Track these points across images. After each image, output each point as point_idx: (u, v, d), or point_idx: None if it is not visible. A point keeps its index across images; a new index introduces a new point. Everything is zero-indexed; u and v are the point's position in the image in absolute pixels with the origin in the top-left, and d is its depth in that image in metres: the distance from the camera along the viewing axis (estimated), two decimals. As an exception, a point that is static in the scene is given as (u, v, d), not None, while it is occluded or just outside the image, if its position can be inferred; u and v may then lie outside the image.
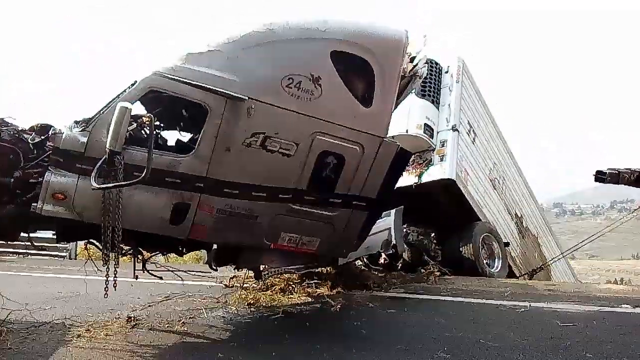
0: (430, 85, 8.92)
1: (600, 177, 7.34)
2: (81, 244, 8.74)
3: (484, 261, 9.04)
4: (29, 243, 5.06)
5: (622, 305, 5.71)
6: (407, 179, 8.70)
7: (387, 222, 7.21)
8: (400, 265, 8.65)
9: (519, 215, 11.43)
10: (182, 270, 6.02)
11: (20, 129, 4.70)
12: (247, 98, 4.58)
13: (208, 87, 4.51)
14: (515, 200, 11.28)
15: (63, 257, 13.33)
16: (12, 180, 4.37)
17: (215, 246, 5.46)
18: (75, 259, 13.18)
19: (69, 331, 4.86)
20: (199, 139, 4.68)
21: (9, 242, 6.76)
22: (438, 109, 8.98)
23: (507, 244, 9.98)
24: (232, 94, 4.53)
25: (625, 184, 7.42)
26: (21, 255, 12.92)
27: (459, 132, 8.87)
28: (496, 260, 9.42)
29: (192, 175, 4.64)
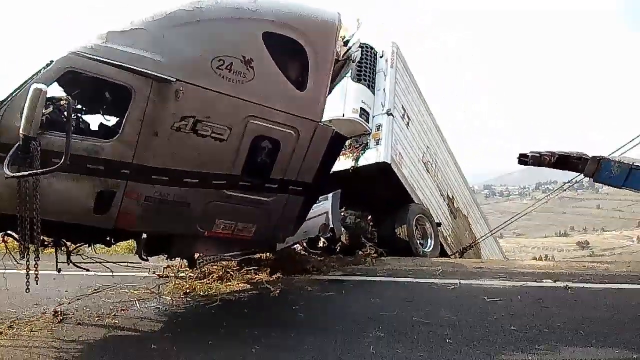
0: (366, 69, 8.99)
1: (523, 159, 7.80)
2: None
3: (418, 241, 9.36)
4: None
5: (544, 280, 6.11)
6: (344, 163, 8.79)
7: (324, 206, 7.26)
8: (338, 248, 8.77)
9: (451, 197, 11.92)
10: (110, 262, 5.75)
11: None
12: (174, 80, 4.38)
13: (131, 67, 4.26)
14: (446, 182, 11.73)
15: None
16: None
17: (144, 235, 5.23)
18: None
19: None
20: (123, 123, 4.43)
21: None
22: (374, 94, 9.08)
23: (439, 224, 10.38)
24: (158, 75, 4.31)
25: (546, 166, 7.92)
26: None
27: (393, 116, 9.04)
28: (429, 240, 9.78)
29: (116, 161, 4.40)
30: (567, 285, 5.74)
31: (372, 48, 9.21)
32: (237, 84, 4.65)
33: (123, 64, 4.24)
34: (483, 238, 12.52)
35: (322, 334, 4.47)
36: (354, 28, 6.04)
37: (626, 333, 4.18)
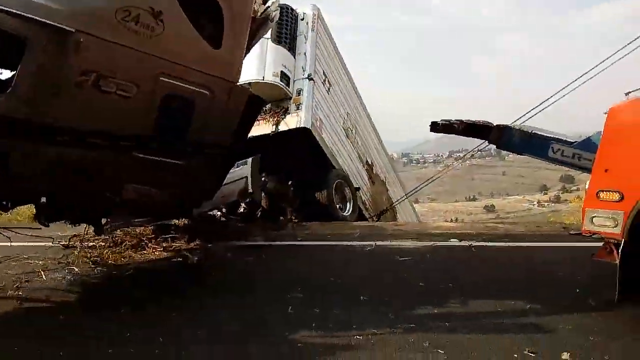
0: (287, 32, 8.82)
1: (435, 127, 8.24)
2: None
3: (337, 205, 9.58)
4: None
5: (451, 240, 6.56)
6: (264, 128, 8.68)
7: (243, 170, 7.13)
8: (259, 214, 8.74)
9: (370, 163, 12.27)
10: (9, 229, 5.30)
11: None
12: (74, 30, 3.96)
13: (24, 14, 3.79)
14: (366, 148, 12.04)
15: None
16: None
17: (44, 199, 4.80)
18: None
19: None
20: (15, 76, 3.97)
21: None
22: (294, 57, 8.96)
23: (357, 189, 10.68)
24: (54, 24, 3.88)
25: (455, 133, 8.42)
26: None
27: (314, 81, 9.00)
28: (348, 204, 10.06)
29: (8, 117, 3.95)
30: (471, 244, 6.21)
31: (292, 10, 9.03)
32: (146, 37, 4.31)
33: (12, 10, 3.76)
34: (398, 201, 13.11)
35: (239, 299, 4.47)
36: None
37: (520, 284, 4.64)
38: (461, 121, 8.22)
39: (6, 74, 4.93)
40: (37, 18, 3.82)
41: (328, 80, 9.78)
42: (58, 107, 4.13)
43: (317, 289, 4.61)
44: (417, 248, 6.18)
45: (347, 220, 9.49)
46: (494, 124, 8.03)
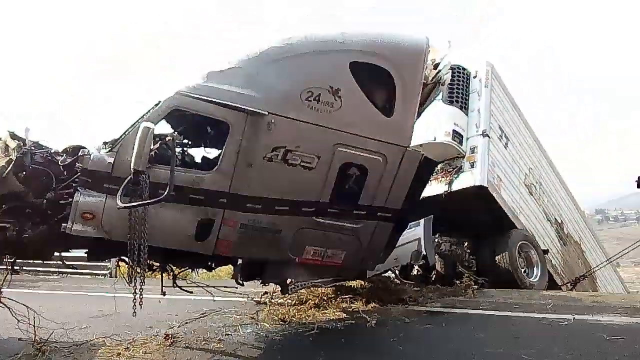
0: (458, 91, 8.70)
1: None
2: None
3: (522, 270, 8.69)
4: (61, 262, 5.23)
5: (673, 317, 5.35)
6: (437, 188, 8.52)
7: (416, 232, 7.07)
8: (434, 277, 8.44)
9: (559, 221, 10.96)
10: (210, 286, 6.06)
11: (52, 151, 4.89)
12: (267, 113, 4.61)
13: (229, 103, 4.57)
14: (554, 205, 10.82)
15: (104, 275, 13.74)
16: (45, 201, 4.53)
17: (240, 261, 5.49)
18: (116, 277, 13.55)
19: (109, 350, 4.93)
20: (221, 155, 4.75)
21: (49, 262, 6.99)
22: (467, 115, 8.75)
23: (546, 252, 9.56)
24: (252, 109, 4.58)
25: None
26: (63, 275, 13.41)
27: (489, 137, 8.61)
28: (535, 269, 9.03)
29: (215, 191, 4.70)
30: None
31: (464, 69, 8.92)
32: (325, 113, 4.78)
33: (221, 101, 4.57)
34: (599, 267, 11.27)
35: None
36: (445, 50, 5.92)
37: None
38: None
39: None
40: (239, 106, 4.56)
41: (505, 135, 9.25)
42: (252, 179, 4.78)
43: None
44: (628, 325, 5.16)
45: (535, 288, 8.49)
46: None
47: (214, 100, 4.56)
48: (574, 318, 5.49)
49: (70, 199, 4.47)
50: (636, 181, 7.15)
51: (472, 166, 8.43)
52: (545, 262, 9.37)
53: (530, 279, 8.81)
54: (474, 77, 9.02)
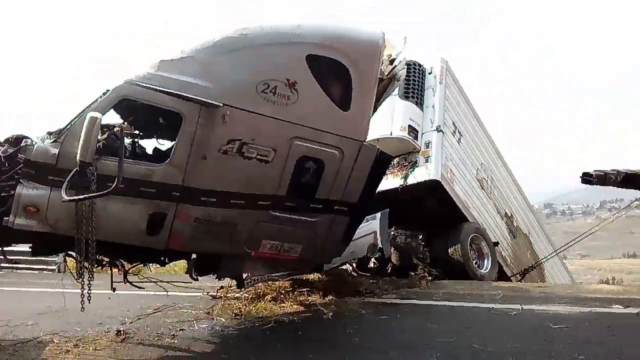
0: (414, 86, 8.87)
1: (587, 178, 7.42)
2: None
3: (473, 262, 8.97)
4: (2, 257, 4.96)
5: (614, 306, 5.67)
6: (392, 182, 8.65)
7: (372, 225, 7.15)
8: (389, 269, 8.57)
9: (509, 215, 11.36)
10: (164, 281, 5.92)
11: None
12: (221, 104, 4.51)
13: (181, 94, 4.44)
14: (504, 199, 11.21)
15: (52, 270, 13.12)
16: None
17: (194, 255, 5.36)
18: (65, 272, 12.96)
19: (57, 347, 4.73)
20: (174, 147, 4.62)
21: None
22: (422, 111, 8.93)
23: (496, 244, 9.90)
24: (206, 100, 4.47)
25: (612, 185, 7.48)
26: (7, 270, 12.71)
27: (443, 132, 8.82)
28: (486, 260, 9.34)
29: (167, 184, 4.57)
30: (639, 312, 5.29)
31: (420, 65, 9.09)
32: (282, 106, 4.74)
33: (173, 92, 4.43)
34: (546, 258, 11.78)
35: (377, 358, 4.35)
36: (400, 46, 5.99)
37: None
38: (618, 171, 7.30)
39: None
40: (192, 97, 4.45)
41: (458, 131, 9.49)
42: (206, 172, 4.68)
43: (458, 356, 4.25)
44: (572, 314, 5.43)
45: (486, 279, 8.79)
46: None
47: (165, 90, 4.42)
48: (522, 308, 5.74)
49: (13, 192, 4.24)
50: (580, 177, 7.47)
51: (426, 161, 8.61)
52: (496, 254, 9.70)
53: (481, 271, 9.11)
54: (429, 73, 9.21)
